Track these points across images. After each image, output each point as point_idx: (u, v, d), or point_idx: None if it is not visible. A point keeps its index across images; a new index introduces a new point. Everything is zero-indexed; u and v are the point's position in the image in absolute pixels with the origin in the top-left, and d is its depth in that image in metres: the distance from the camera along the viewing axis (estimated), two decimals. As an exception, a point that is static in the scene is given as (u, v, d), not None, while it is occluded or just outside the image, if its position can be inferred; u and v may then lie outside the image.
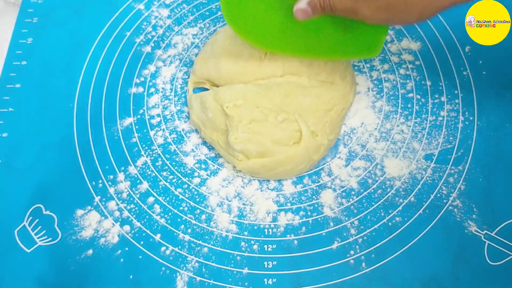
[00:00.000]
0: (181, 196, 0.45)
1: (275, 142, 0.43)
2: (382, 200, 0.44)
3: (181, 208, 0.44)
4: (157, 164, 0.47)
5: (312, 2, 0.34)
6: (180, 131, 0.49)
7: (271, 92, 0.44)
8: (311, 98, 0.44)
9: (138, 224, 0.44)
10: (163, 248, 0.42)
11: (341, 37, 0.41)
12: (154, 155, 0.47)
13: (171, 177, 0.46)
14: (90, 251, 0.42)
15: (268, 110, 0.43)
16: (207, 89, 0.49)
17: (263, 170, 0.43)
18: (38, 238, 0.43)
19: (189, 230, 0.43)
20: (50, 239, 0.43)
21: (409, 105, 0.50)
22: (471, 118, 0.49)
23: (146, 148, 0.48)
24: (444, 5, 0.30)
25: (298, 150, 0.43)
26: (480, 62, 0.52)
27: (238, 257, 0.42)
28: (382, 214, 0.44)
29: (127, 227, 0.43)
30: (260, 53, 0.46)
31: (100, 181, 0.46)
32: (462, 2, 0.31)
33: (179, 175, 0.46)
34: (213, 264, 0.42)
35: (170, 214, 0.44)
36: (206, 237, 0.43)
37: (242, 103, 0.43)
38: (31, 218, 0.44)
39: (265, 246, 0.43)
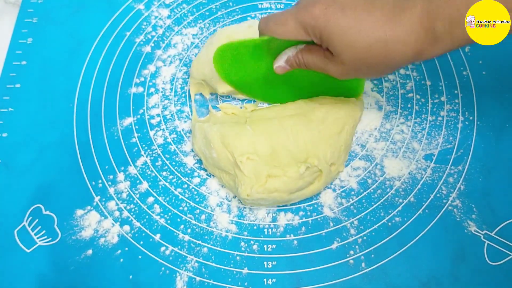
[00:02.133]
0: (181, 196, 0.45)
1: (293, 192, 0.42)
2: (381, 200, 0.44)
3: (181, 208, 0.44)
4: (157, 164, 0.47)
5: (289, 61, 0.40)
6: (180, 131, 0.49)
7: (280, 138, 0.41)
8: (317, 126, 0.42)
9: (138, 224, 0.44)
10: (162, 248, 0.42)
11: (323, 83, 0.44)
12: (154, 155, 0.47)
13: (171, 177, 0.46)
14: (90, 251, 0.42)
15: (286, 165, 0.41)
16: (203, 94, 0.50)
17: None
18: (38, 238, 0.43)
19: (189, 230, 0.43)
20: (50, 239, 0.43)
21: (409, 105, 0.50)
22: (471, 118, 0.49)
23: (146, 148, 0.48)
24: (399, 65, 0.35)
25: (316, 188, 0.43)
26: (480, 62, 0.52)
27: (237, 257, 0.42)
28: (382, 214, 0.44)
29: (126, 227, 0.43)
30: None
31: (100, 181, 0.46)
32: (416, 61, 0.36)
33: (179, 175, 0.46)
34: (213, 264, 0.42)
35: (170, 214, 0.44)
36: (206, 237, 0.43)
37: (256, 159, 0.40)
38: (31, 218, 0.44)
39: (265, 246, 0.43)
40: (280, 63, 0.40)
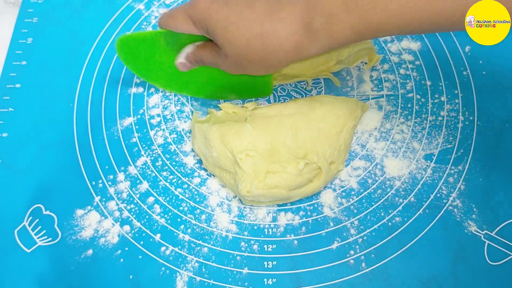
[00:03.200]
0: (181, 196, 0.45)
1: (293, 189, 0.42)
2: (382, 200, 0.44)
3: (181, 208, 0.44)
4: (157, 164, 0.47)
5: (188, 57, 0.41)
6: (180, 131, 0.49)
7: (279, 135, 0.41)
8: (317, 124, 0.42)
9: (138, 224, 0.44)
10: (163, 248, 0.42)
11: (230, 81, 0.45)
12: (154, 155, 0.47)
13: (171, 177, 0.46)
14: (90, 251, 0.42)
15: (285, 161, 0.41)
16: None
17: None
18: (38, 238, 0.43)
19: (189, 230, 0.43)
20: (50, 239, 0.43)
21: (409, 105, 0.50)
22: (471, 118, 0.49)
23: (146, 148, 0.48)
24: (281, 61, 0.36)
25: (316, 187, 0.43)
26: (480, 62, 0.52)
27: (238, 257, 0.42)
28: (382, 214, 0.44)
29: (127, 227, 0.43)
30: None
31: (100, 181, 0.46)
32: (297, 59, 0.36)
33: (179, 175, 0.46)
34: (213, 264, 0.42)
35: (170, 214, 0.44)
36: (206, 237, 0.43)
37: (255, 155, 0.41)
38: (31, 218, 0.44)
39: (265, 246, 0.43)
40: (181, 59, 0.42)
